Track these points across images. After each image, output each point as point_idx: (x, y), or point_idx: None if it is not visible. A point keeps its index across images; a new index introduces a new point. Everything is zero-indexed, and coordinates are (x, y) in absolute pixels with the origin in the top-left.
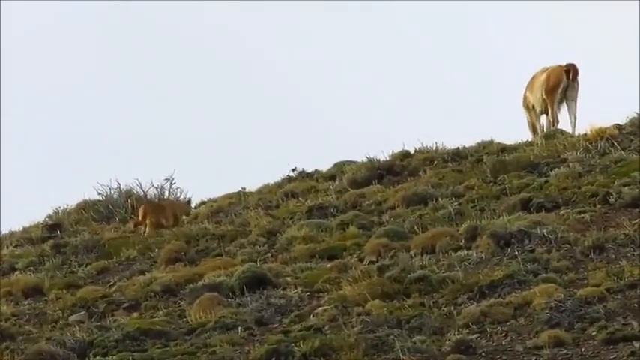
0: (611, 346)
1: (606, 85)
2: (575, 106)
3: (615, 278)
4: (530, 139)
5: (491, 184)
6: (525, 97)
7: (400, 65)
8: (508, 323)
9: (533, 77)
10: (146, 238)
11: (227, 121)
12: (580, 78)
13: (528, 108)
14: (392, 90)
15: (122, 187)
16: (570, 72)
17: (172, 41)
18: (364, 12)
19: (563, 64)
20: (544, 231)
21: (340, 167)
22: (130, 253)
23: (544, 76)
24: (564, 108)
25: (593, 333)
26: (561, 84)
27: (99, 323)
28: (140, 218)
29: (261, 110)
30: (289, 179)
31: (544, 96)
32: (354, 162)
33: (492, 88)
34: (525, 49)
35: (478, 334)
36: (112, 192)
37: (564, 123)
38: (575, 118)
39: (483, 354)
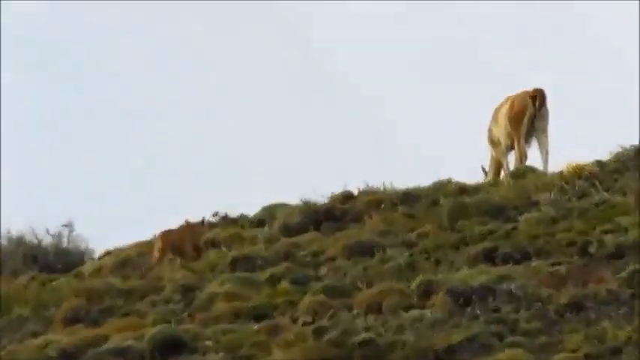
0: None
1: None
2: (546, 138)
3: (596, 342)
4: (490, 179)
5: (448, 231)
6: (490, 131)
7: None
8: None
9: (497, 109)
10: (41, 295)
11: (133, 155)
12: (550, 105)
13: (493, 143)
14: (328, 123)
15: (13, 233)
16: (537, 98)
17: None
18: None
19: (530, 89)
20: (511, 286)
21: (270, 211)
22: (21, 312)
23: (508, 104)
24: (534, 142)
25: None
26: (527, 112)
27: None
28: (159, 250)
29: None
30: (210, 225)
31: (509, 127)
32: (287, 205)
33: (451, 119)
34: (506, 59)
35: None
36: (1, 239)
37: (535, 159)
38: (547, 153)
39: None
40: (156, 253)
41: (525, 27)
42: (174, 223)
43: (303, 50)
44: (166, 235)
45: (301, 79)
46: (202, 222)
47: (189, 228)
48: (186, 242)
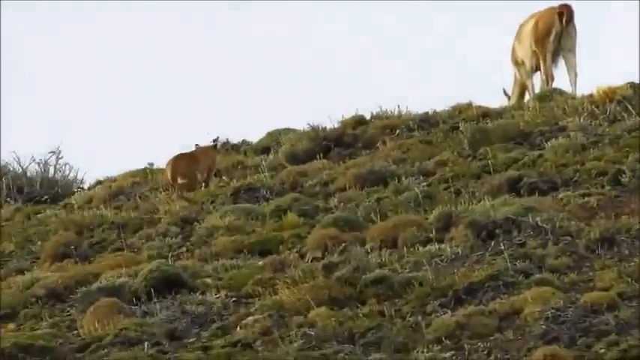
0: None
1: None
2: (574, 58)
3: (629, 280)
4: (514, 102)
5: (469, 158)
6: (513, 50)
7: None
8: (492, 338)
9: (521, 25)
10: (26, 228)
11: (129, 87)
12: (577, 22)
13: (517, 63)
14: (341, 43)
15: None
16: (564, 15)
17: None
18: None
19: (555, 5)
20: (537, 219)
21: (275, 137)
22: (5, 247)
23: (532, 22)
24: (561, 62)
25: (602, 350)
26: (553, 30)
27: None
28: (170, 178)
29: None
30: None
31: (534, 47)
32: (293, 130)
33: (470, 39)
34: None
35: (453, 352)
36: None
37: (563, 81)
38: (575, 75)
39: None
40: (167, 179)
41: None
42: (171, 150)
43: None
44: (177, 161)
45: None
46: (215, 146)
47: (202, 152)
48: (199, 168)
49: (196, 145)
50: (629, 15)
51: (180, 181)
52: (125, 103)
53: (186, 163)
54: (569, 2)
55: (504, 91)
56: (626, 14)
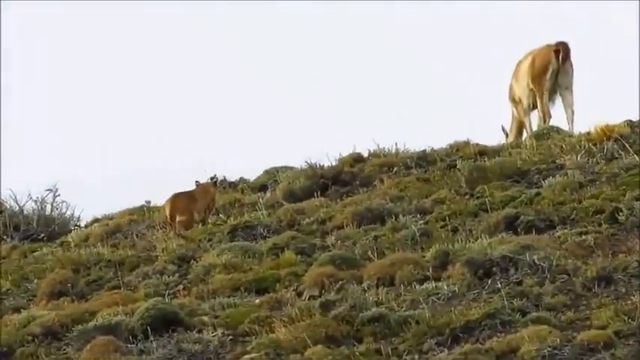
0: None
1: (605, 84)
2: (571, 96)
3: (626, 318)
4: (511, 140)
5: (466, 196)
6: (511, 88)
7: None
8: None
9: (519, 63)
10: (23, 266)
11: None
12: (574, 60)
13: (515, 101)
14: (339, 80)
15: None
16: (560, 52)
17: None
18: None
19: (552, 42)
20: (534, 257)
21: (272, 175)
22: (1, 285)
23: (529, 60)
24: (558, 100)
25: None
26: (550, 67)
27: None
28: (168, 216)
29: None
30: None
31: (531, 85)
32: (291, 168)
33: (471, 78)
34: (514, 39)
35: None
36: None
37: (560, 118)
38: (572, 112)
39: None
40: (166, 217)
41: None
42: (169, 188)
43: None
44: (176, 199)
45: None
46: (215, 183)
47: (201, 191)
48: (197, 207)
49: (196, 182)
50: (628, 53)
51: (178, 219)
52: (120, 141)
53: (185, 201)
54: (565, 40)
55: (502, 129)
56: (625, 50)
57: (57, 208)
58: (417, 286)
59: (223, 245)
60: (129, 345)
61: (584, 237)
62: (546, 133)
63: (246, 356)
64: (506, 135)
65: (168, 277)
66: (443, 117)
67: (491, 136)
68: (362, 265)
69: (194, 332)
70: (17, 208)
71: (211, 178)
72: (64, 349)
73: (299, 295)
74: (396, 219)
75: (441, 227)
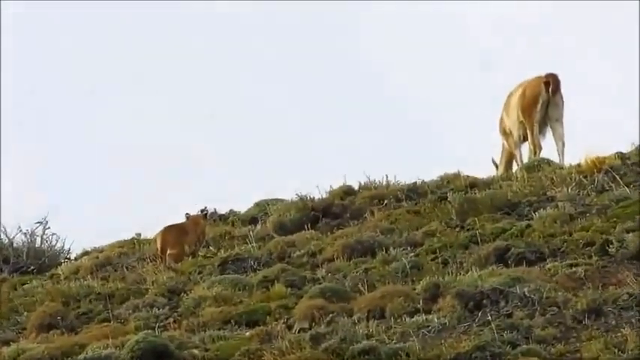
0: None
1: (604, 99)
2: (561, 128)
3: (616, 351)
4: (502, 172)
5: (457, 229)
6: (501, 120)
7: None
8: None
9: (509, 95)
10: (12, 299)
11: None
12: (564, 91)
13: (505, 133)
14: (328, 113)
15: None
16: (550, 84)
17: None
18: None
19: (542, 74)
20: (525, 290)
21: (263, 207)
22: None
23: (520, 91)
24: (549, 132)
25: None
26: (540, 99)
27: None
28: (159, 249)
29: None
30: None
31: (521, 117)
32: (281, 201)
33: (460, 110)
34: (509, 59)
35: None
36: None
37: (550, 150)
38: (563, 145)
39: None
40: (156, 250)
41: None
42: (158, 222)
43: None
44: (167, 232)
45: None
46: (205, 216)
47: (191, 223)
48: (188, 240)
49: (186, 214)
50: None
51: (169, 251)
52: (110, 173)
53: (176, 234)
54: (555, 72)
55: (493, 161)
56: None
57: (47, 241)
58: (408, 319)
59: (214, 278)
60: None
61: (574, 269)
62: (537, 165)
63: None
64: (496, 167)
65: (159, 309)
66: (433, 149)
67: (482, 168)
68: (352, 298)
69: None
70: (7, 240)
71: (201, 211)
72: None
73: (289, 327)
74: (386, 251)
75: (432, 259)
